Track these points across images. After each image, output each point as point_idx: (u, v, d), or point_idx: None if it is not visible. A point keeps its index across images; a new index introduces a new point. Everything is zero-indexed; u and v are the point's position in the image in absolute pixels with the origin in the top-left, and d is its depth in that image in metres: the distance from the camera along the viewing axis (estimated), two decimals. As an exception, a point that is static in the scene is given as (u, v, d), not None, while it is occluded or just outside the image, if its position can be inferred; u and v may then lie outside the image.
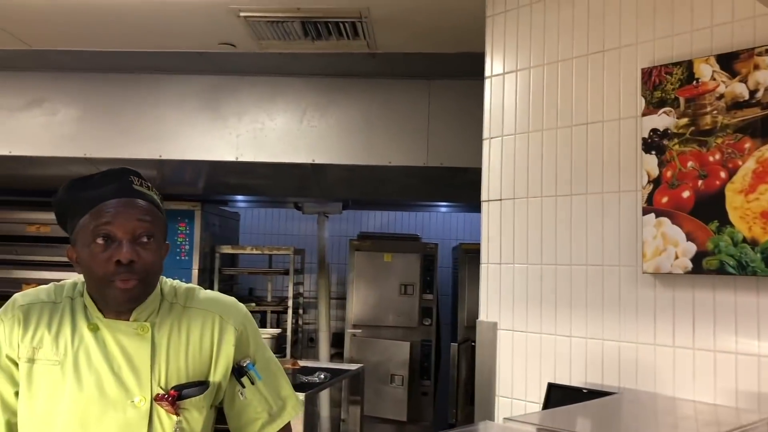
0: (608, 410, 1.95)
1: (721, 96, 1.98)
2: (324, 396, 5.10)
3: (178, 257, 5.08)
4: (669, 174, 2.06)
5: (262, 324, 5.44)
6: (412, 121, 4.08)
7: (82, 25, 3.46)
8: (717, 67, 1.99)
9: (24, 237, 5.05)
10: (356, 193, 5.15)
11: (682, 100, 2.06)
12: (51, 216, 1.49)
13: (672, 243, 2.03)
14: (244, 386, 1.52)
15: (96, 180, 1.43)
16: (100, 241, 1.37)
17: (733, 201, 1.92)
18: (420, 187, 4.80)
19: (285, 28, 3.34)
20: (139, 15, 3.28)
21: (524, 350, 2.41)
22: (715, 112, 1.99)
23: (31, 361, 1.42)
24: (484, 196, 2.59)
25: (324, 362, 5.00)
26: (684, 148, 2.04)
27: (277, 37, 3.47)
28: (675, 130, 2.06)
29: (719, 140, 1.97)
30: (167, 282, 1.54)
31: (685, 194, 2.02)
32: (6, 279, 4.94)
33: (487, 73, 2.64)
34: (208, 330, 1.50)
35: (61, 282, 1.52)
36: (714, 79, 2.00)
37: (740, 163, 1.92)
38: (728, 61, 1.98)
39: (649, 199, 2.10)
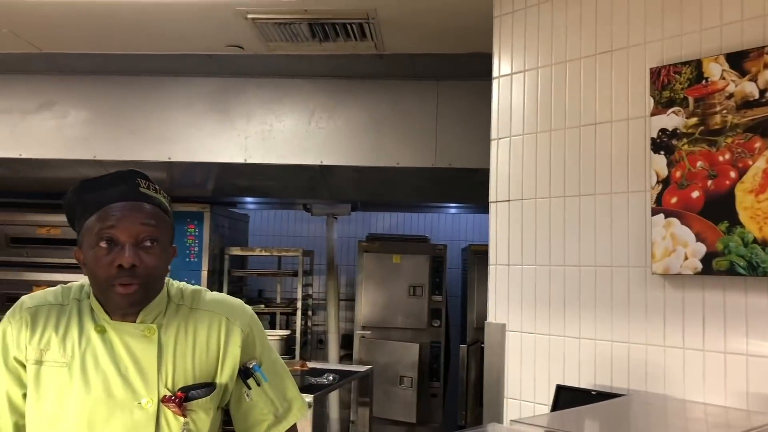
0: (617, 412, 1.93)
1: (731, 95, 1.96)
2: (333, 397, 5.10)
3: (187, 259, 5.10)
4: (678, 174, 2.04)
5: (272, 325, 5.45)
6: (420, 122, 4.08)
7: (92, 29, 3.48)
8: (726, 66, 1.98)
9: (34, 239, 5.08)
10: (365, 194, 5.15)
11: (691, 100, 2.04)
12: (61, 218, 1.50)
13: (681, 244, 2.01)
14: (250, 388, 1.52)
15: (104, 182, 1.44)
16: (103, 244, 1.38)
17: (744, 201, 1.90)
18: (429, 188, 4.79)
19: (292, 29, 3.35)
20: (148, 18, 3.30)
21: (533, 352, 2.39)
22: (724, 111, 1.97)
23: (39, 363, 1.42)
24: (492, 197, 2.58)
25: (333, 364, 5.00)
26: (693, 147, 2.02)
27: (284, 38, 3.47)
28: (684, 130, 2.05)
29: (729, 140, 1.95)
30: (174, 284, 1.55)
31: (695, 194, 2.00)
32: (16, 281, 4.96)
33: (495, 73, 2.64)
34: (215, 332, 1.50)
35: (69, 284, 1.53)
36: (723, 78, 1.98)
37: (750, 162, 1.91)
38: (738, 60, 1.96)
39: (658, 200, 2.08)
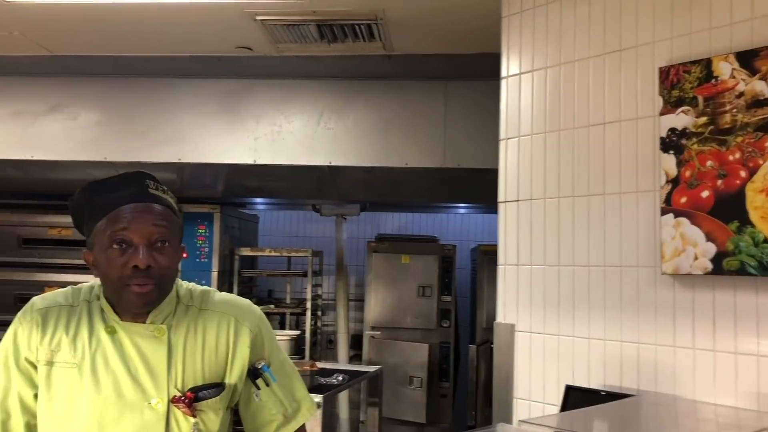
0: (627, 413, 1.93)
1: (741, 94, 1.95)
2: (343, 398, 5.10)
3: (197, 259, 5.12)
4: (688, 174, 2.04)
5: (282, 326, 5.46)
6: (428, 123, 4.07)
7: (102, 31, 3.51)
8: (736, 65, 1.97)
9: (45, 240, 5.11)
10: (374, 194, 5.15)
11: (700, 99, 2.04)
12: (71, 219, 1.51)
13: (691, 243, 2.01)
14: (259, 388, 1.52)
15: (112, 184, 1.44)
16: (116, 246, 1.39)
17: (754, 200, 1.89)
18: (437, 188, 4.79)
19: (301, 31, 3.36)
20: (158, 20, 3.32)
21: (542, 352, 2.39)
22: (734, 110, 1.96)
23: (50, 363, 1.43)
24: (501, 197, 2.58)
25: (342, 364, 5.01)
26: (703, 147, 2.01)
27: (293, 40, 3.48)
28: (694, 129, 2.04)
29: (739, 139, 1.94)
30: (183, 285, 1.55)
31: (705, 194, 1.99)
32: (28, 282, 5.00)
33: (504, 73, 2.63)
34: (224, 332, 1.50)
35: (79, 285, 1.54)
36: (733, 77, 1.97)
37: (761, 161, 1.90)
38: (748, 59, 1.95)
39: (668, 199, 2.07)
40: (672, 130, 2.09)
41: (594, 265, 2.28)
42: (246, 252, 5.43)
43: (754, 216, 1.89)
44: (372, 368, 4.30)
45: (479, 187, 4.13)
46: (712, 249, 1.96)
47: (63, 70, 4.19)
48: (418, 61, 3.78)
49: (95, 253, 1.43)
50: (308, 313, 5.36)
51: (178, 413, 1.43)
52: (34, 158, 4.30)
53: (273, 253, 5.48)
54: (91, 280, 1.52)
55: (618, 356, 2.19)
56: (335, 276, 5.63)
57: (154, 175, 1.50)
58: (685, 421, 1.90)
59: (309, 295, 5.36)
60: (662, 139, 2.11)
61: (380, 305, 5.48)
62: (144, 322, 1.45)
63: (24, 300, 1.54)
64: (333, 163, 4.15)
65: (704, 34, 2.08)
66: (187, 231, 4.96)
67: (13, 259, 5.10)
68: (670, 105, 2.10)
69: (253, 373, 1.52)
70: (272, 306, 5.43)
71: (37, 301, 1.50)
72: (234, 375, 1.50)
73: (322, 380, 3.59)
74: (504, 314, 2.52)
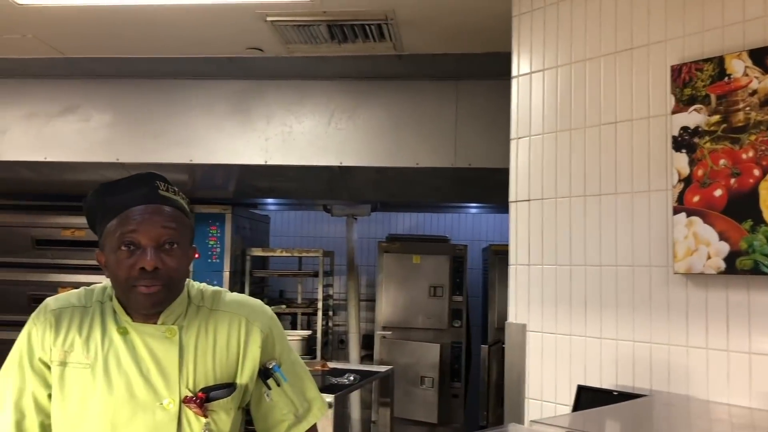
0: (639, 413, 1.92)
1: (754, 92, 1.94)
2: (354, 398, 5.11)
3: (209, 260, 5.14)
4: (700, 172, 2.02)
5: (293, 326, 5.48)
6: (439, 122, 4.07)
7: (114, 33, 3.53)
8: (749, 63, 1.95)
9: (59, 241, 5.14)
10: (384, 194, 5.15)
11: (713, 97, 2.02)
12: (85, 221, 1.52)
13: (704, 243, 1.99)
14: (270, 388, 1.53)
15: (123, 185, 1.45)
16: (125, 247, 1.40)
17: None
18: (448, 188, 4.78)
19: (311, 31, 3.36)
20: (169, 22, 3.33)
21: (554, 352, 2.38)
22: (747, 108, 1.94)
23: (63, 364, 1.44)
24: (512, 196, 2.57)
25: (354, 364, 5.01)
26: (716, 145, 2.00)
27: (303, 40, 3.49)
28: (706, 128, 2.03)
29: (752, 137, 1.93)
30: (194, 285, 1.56)
31: (717, 193, 1.98)
32: (41, 282, 5.03)
33: (514, 72, 2.63)
34: (235, 332, 1.51)
35: (92, 286, 1.55)
36: (746, 75, 1.96)
37: (774, 160, 1.88)
38: (761, 57, 1.94)
39: (680, 199, 2.06)
40: (684, 128, 2.08)
41: (606, 265, 2.27)
42: (257, 252, 5.45)
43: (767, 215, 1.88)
44: (383, 368, 4.30)
45: (490, 187, 4.12)
46: (725, 248, 1.95)
47: (75, 72, 4.22)
48: (428, 60, 3.78)
49: (106, 253, 1.44)
50: (319, 313, 5.37)
51: (189, 413, 1.44)
52: (48, 159, 4.33)
53: (284, 254, 5.49)
54: (103, 281, 1.53)
55: (630, 356, 2.18)
56: (346, 276, 5.64)
57: (166, 176, 1.51)
58: (699, 422, 1.88)
59: (320, 295, 5.37)
60: (674, 138, 2.10)
61: (391, 305, 5.48)
62: (155, 323, 1.46)
63: (37, 300, 1.55)
64: (344, 164, 4.15)
65: (717, 32, 2.07)
66: (199, 232, 4.99)
67: (26, 259, 5.14)
68: (683, 103, 2.09)
69: (264, 373, 1.52)
70: (283, 306, 5.44)
71: (50, 302, 1.51)
72: (245, 375, 1.51)
73: (334, 380, 3.59)
74: (515, 314, 2.51)
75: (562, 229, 2.40)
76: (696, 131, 2.05)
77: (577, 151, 2.39)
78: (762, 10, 1.98)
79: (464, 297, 5.47)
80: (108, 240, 1.42)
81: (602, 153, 2.31)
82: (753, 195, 1.91)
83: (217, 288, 1.59)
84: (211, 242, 5.15)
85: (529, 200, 2.51)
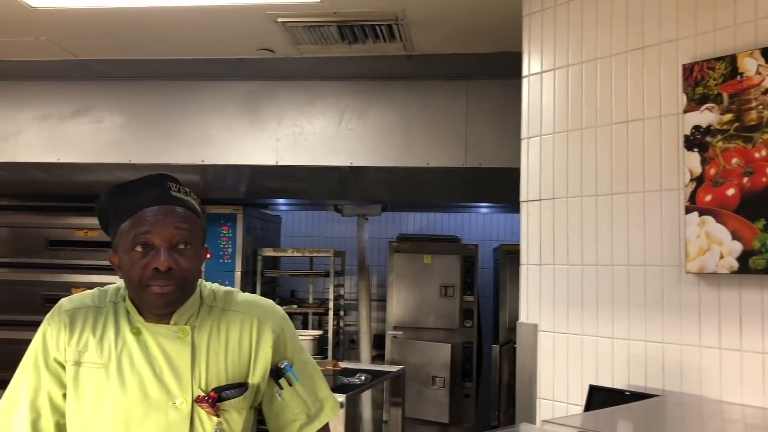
0: (651, 413, 1.91)
1: (767, 90, 1.92)
2: (366, 397, 5.11)
3: (221, 260, 5.16)
4: (712, 171, 2.01)
5: (304, 326, 5.49)
6: (450, 122, 4.07)
7: (126, 35, 3.55)
8: (762, 61, 1.94)
9: (72, 242, 5.17)
10: (395, 194, 5.15)
11: (725, 96, 2.01)
12: (98, 221, 1.53)
13: (716, 242, 1.98)
14: (282, 388, 1.54)
15: (135, 186, 1.47)
16: (138, 248, 1.41)
17: (781, 198, 1.87)
18: (459, 188, 4.78)
19: (322, 32, 3.37)
20: (181, 24, 3.35)
21: (565, 352, 2.38)
22: (760, 107, 1.93)
23: (77, 364, 1.46)
24: (523, 196, 2.57)
25: (365, 364, 5.01)
26: (728, 144, 1.99)
27: (314, 41, 3.50)
28: (718, 127, 2.01)
29: (765, 136, 1.92)
30: (206, 285, 1.57)
31: (730, 192, 1.97)
32: (54, 283, 5.07)
33: (525, 72, 2.62)
34: (247, 332, 1.52)
35: (105, 287, 1.56)
36: (759, 74, 1.95)
37: (787, 159, 1.87)
38: (773, 55, 1.92)
39: (692, 198, 2.05)
40: (696, 127, 2.07)
41: (617, 265, 2.26)
42: (269, 252, 5.46)
43: (781, 214, 1.86)
44: (394, 368, 4.30)
45: (501, 187, 4.11)
46: (738, 247, 1.94)
47: (88, 74, 4.25)
48: (438, 60, 3.77)
49: (119, 254, 1.45)
50: (330, 313, 5.38)
51: (202, 413, 1.45)
52: (60, 161, 4.36)
53: (295, 254, 5.51)
54: (117, 282, 1.55)
55: (642, 356, 2.17)
56: (357, 276, 5.64)
57: (178, 176, 1.52)
58: (712, 422, 1.87)
59: (331, 295, 5.38)
60: (686, 137, 2.09)
61: (402, 305, 5.49)
62: (168, 323, 1.47)
63: (51, 301, 1.57)
64: (354, 164, 4.16)
65: (729, 30, 2.05)
66: (211, 232, 5.01)
67: (39, 260, 5.18)
68: (694, 102, 2.08)
69: (276, 373, 1.53)
70: (295, 306, 5.45)
71: (65, 302, 1.52)
72: (257, 375, 1.52)
73: (345, 380, 3.60)
74: (527, 314, 2.51)
75: (573, 228, 2.40)
76: (708, 130, 2.04)
77: (589, 151, 2.38)
78: (775, 8, 1.97)
79: (475, 297, 5.46)
80: (121, 241, 1.43)
81: (614, 152, 2.31)
82: (766, 194, 1.89)
83: (229, 288, 1.60)
84: (223, 242, 5.17)
85: (540, 200, 2.51)
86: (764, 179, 1.90)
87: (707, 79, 2.05)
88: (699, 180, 2.04)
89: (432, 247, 5.55)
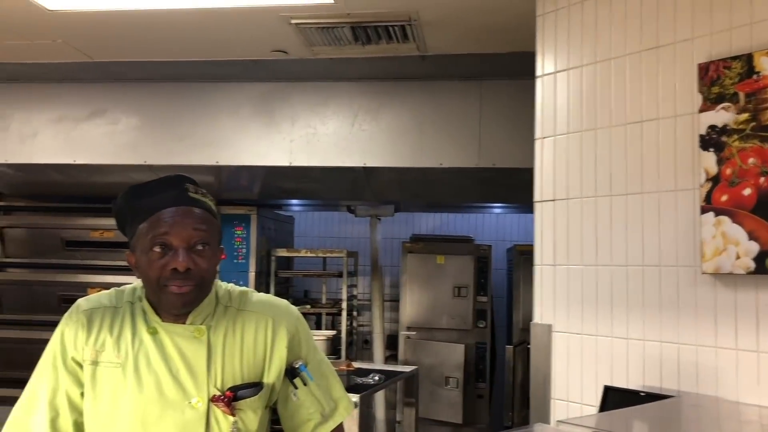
0: (667, 414, 1.90)
1: (783, 90, 1.91)
2: (379, 398, 5.12)
3: (235, 260, 5.18)
4: (728, 171, 2.00)
5: (318, 326, 5.50)
6: (463, 123, 4.07)
7: (141, 38, 3.58)
8: (778, 60, 1.93)
9: (88, 242, 5.21)
10: (408, 195, 5.16)
11: (741, 95, 2.00)
12: (114, 222, 1.55)
13: (732, 242, 1.97)
14: (296, 387, 1.54)
15: (153, 187, 1.48)
16: (157, 249, 1.42)
17: (798, 198, 1.85)
18: (472, 188, 4.77)
19: (335, 33, 3.38)
20: (195, 26, 3.37)
21: (580, 352, 2.37)
22: (776, 106, 1.92)
23: (95, 363, 1.47)
24: (536, 196, 2.56)
25: (378, 364, 5.02)
26: (744, 144, 1.97)
27: (327, 42, 3.51)
28: (734, 126, 2.00)
29: (782, 135, 1.90)
30: (222, 286, 1.58)
31: (746, 192, 1.95)
32: (70, 283, 5.11)
33: (539, 72, 2.62)
34: (262, 332, 1.53)
35: (122, 287, 1.58)
36: (775, 73, 1.93)
37: (804, 158, 1.85)
38: (790, 54, 1.91)
39: (708, 198, 2.04)
40: (712, 127, 2.05)
41: (632, 265, 2.25)
42: (282, 253, 5.48)
43: (798, 214, 1.85)
44: (408, 368, 4.30)
45: (515, 187, 4.11)
46: (754, 248, 1.92)
47: (103, 76, 4.29)
48: (452, 61, 3.77)
49: (137, 255, 1.46)
50: (344, 314, 5.39)
51: (217, 412, 1.46)
52: (77, 162, 4.41)
53: (309, 254, 5.52)
54: (133, 282, 1.56)
55: (657, 357, 2.16)
56: (370, 276, 5.65)
57: (193, 177, 1.53)
58: (728, 423, 1.86)
59: (344, 296, 5.39)
60: (702, 137, 2.08)
61: (415, 305, 5.49)
62: (184, 323, 1.48)
63: (67, 301, 1.58)
64: (367, 164, 4.17)
65: (745, 29, 2.04)
66: (225, 232, 5.00)
67: (56, 260, 5.22)
68: (710, 102, 2.07)
69: (291, 373, 1.54)
70: (308, 306, 5.47)
71: (82, 302, 1.54)
72: (272, 374, 1.52)
73: (359, 380, 3.61)
74: (541, 314, 2.50)
75: (587, 229, 2.39)
76: (724, 130, 2.02)
77: (603, 151, 2.37)
78: (791, 7, 1.95)
79: (489, 297, 5.46)
80: (139, 241, 1.45)
81: (628, 152, 2.30)
82: (783, 194, 1.88)
83: (244, 288, 1.61)
84: (237, 243, 5.20)
85: (554, 200, 2.50)
86: (781, 179, 1.89)
87: (723, 79, 2.04)
88: (715, 180, 2.03)
89: (445, 247, 5.55)
